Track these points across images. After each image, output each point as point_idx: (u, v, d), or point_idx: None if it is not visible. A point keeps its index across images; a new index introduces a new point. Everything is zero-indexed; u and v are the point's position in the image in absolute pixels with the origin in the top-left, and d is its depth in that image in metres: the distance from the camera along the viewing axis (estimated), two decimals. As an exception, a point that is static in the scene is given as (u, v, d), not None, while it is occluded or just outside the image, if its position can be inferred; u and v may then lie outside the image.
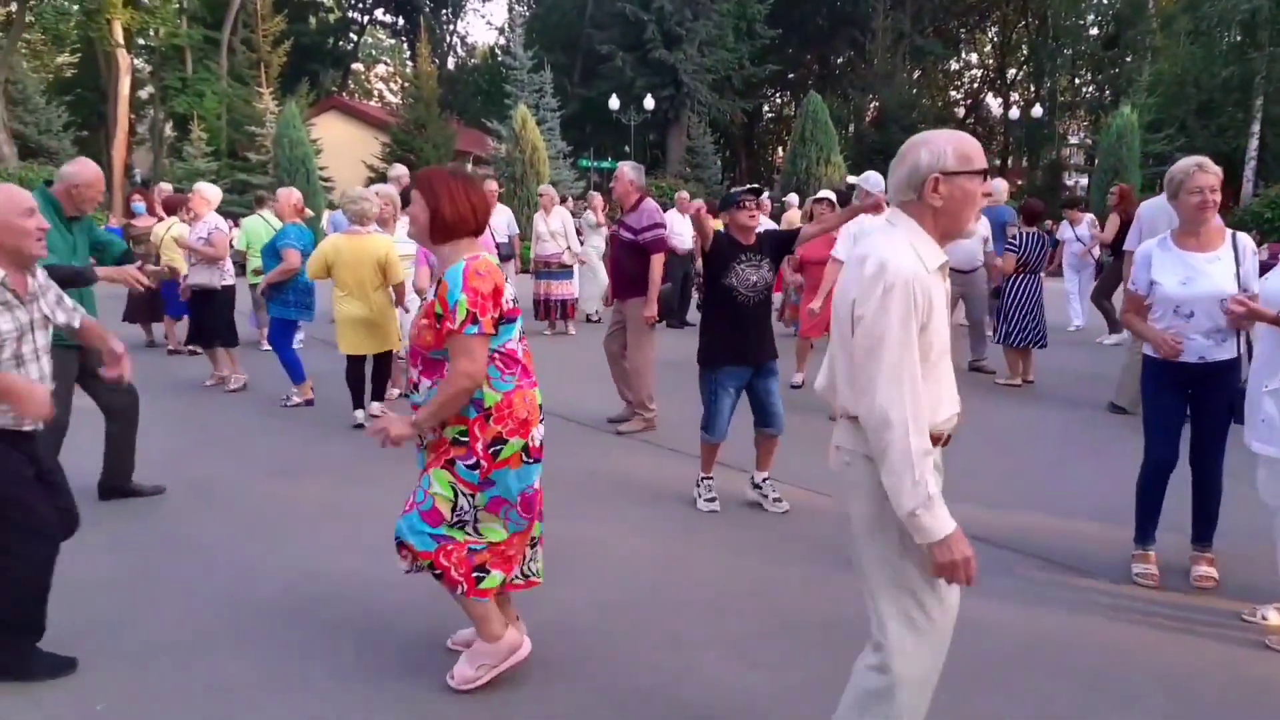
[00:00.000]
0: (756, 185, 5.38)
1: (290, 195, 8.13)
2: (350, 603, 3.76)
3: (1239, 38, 29.85)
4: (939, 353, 2.10)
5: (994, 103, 44.81)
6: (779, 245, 5.02)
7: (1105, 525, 4.67)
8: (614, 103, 30.29)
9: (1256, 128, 28.03)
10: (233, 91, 32.27)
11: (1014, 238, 8.67)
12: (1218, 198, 3.87)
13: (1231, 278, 3.82)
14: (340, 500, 5.11)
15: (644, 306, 6.68)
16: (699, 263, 5.68)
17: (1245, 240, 3.95)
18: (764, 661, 3.31)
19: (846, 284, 2.15)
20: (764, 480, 5.10)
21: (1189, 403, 3.98)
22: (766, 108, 47.10)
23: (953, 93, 45.72)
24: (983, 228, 9.13)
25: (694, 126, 33.61)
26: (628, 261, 6.80)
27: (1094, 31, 38.05)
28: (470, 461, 2.87)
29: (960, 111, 44.76)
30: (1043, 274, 8.70)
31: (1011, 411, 7.48)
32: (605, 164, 30.22)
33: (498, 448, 2.87)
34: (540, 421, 3.00)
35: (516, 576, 3.11)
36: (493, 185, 11.39)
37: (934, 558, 2.03)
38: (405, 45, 51.66)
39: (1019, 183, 32.87)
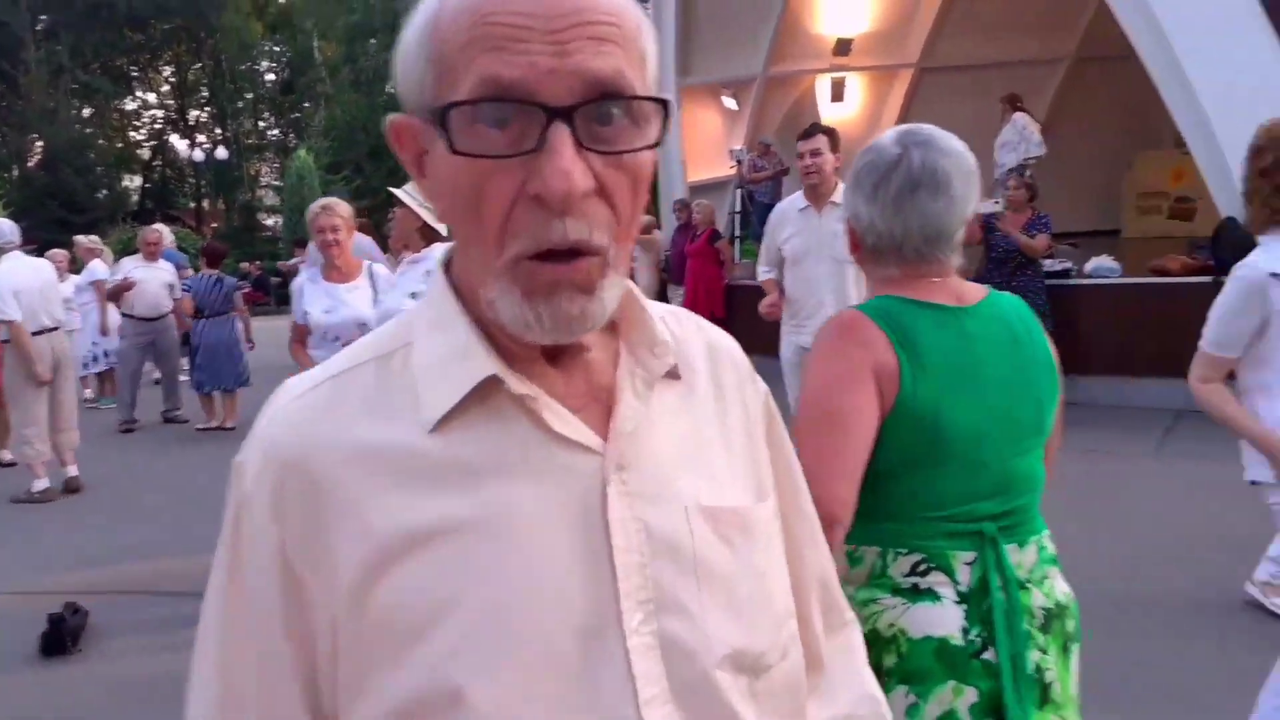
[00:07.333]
0: None
1: None
2: None
3: (394, 90, 33.71)
4: None
5: (180, 144, 43.43)
6: None
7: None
8: None
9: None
10: None
11: (187, 282, 8.69)
12: (339, 237, 4.11)
13: (369, 302, 4.10)
14: None
15: None
16: None
17: (379, 269, 4.28)
18: None
19: None
20: None
21: None
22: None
23: (134, 133, 43.02)
24: (168, 273, 8.71)
25: None
26: None
27: (271, 77, 39.42)
28: None
29: (146, 153, 42.42)
30: (233, 315, 8.59)
31: (212, 456, 6.58)
32: None
33: None
34: None
35: None
36: None
37: None
38: None
39: (214, 225, 32.65)
